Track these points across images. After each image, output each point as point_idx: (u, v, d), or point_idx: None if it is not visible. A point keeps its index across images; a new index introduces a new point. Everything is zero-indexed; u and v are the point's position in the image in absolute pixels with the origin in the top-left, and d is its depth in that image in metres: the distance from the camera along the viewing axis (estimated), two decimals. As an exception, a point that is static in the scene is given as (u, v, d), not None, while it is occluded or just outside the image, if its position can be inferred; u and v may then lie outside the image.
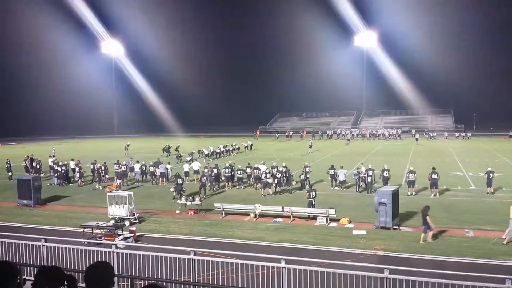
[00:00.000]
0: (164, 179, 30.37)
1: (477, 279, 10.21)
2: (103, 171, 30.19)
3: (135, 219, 19.68)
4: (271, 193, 25.64)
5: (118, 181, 26.88)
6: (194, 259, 10.47)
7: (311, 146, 51.52)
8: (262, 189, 26.12)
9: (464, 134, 72.44)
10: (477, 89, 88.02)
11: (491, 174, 24.77)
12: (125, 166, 31.08)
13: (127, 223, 19.16)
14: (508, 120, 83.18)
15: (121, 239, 16.08)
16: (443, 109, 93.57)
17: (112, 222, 18.77)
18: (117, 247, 11.75)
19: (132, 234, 16.87)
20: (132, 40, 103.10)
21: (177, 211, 21.85)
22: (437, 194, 24.64)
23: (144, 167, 31.23)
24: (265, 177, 26.36)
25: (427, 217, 16.21)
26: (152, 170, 30.37)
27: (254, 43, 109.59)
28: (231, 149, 49.83)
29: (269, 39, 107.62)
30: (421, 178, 26.14)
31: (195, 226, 19.07)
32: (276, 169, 27.31)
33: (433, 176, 24.57)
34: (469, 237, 16.97)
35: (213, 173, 27.42)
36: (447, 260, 14.39)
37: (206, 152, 45.47)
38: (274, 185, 26.28)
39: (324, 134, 78.82)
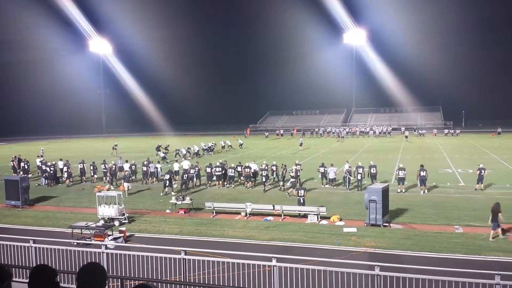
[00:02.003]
0: (154, 178, 30.22)
1: (466, 275, 10.27)
2: (113, 171, 30.20)
3: (125, 219, 19.53)
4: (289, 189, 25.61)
5: (126, 184, 25.90)
6: (185, 259, 10.40)
7: (301, 144, 51.71)
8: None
9: (453, 131, 73.09)
10: (465, 86, 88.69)
11: (483, 171, 24.97)
12: (113, 166, 30.82)
13: (116, 223, 19.01)
14: (496, 117, 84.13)
15: (111, 240, 15.95)
16: (432, 106, 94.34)
17: (101, 222, 18.62)
18: (106, 248, 11.64)
19: (122, 234, 16.74)
20: (120, 39, 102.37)
21: (168, 211, 21.74)
22: (426, 191, 24.81)
23: (133, 167, 31.00)
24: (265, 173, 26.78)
25: (500, 214, 16.08)
26: (146, 169, 30.14)
27: (243, 41, 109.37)
28: (211, 147, 49.31)
29: (259, 37, 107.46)
30: (411, 175, 26.31)
31: (186, 226, 18.97)
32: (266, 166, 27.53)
33: (421, 173, 24.75)
34: (459, 233, 17.09)
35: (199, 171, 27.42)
36: (437, 256, 14.47)
37: (194, 150, 45.76)
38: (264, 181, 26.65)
39: (315, 132, 78.97)
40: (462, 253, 14.67)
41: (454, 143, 57.53)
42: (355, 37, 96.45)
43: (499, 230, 16.18)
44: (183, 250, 10.42)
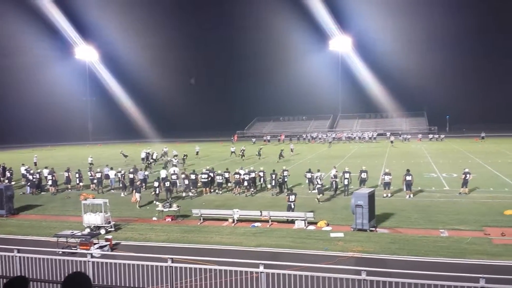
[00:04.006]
0: (144, 185, 29.98)
1: (451, 279, 10.40)
2: (99, 178, 29.96)
3: (111, 227, 19.36)
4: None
5: (138, 195, 24.95)
6: (172, 267, 10.34)
7: (292, 150, 51.94)
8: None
9: (437, 136, 73.96)
10: (449, 92, 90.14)
11: (467, 175, 25.33)
12: (100, 174, 30.55)
13: (102, 231, 18.82)
14: (480, 121, 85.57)
15: (97, 248, 15.81)
16: (417, 112, 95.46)
17: (87, 230, 18.42)
18: (92, 256, 11.52)
19: (108, 243, 16.60)
20: (107, 45, 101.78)
21: (154, 218, 21.61)
22: (412, 195, 25.07)
23: (119, 174, 30.75)
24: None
25: None
26: (132, 177, 29.89)
27: (231, 47, 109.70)
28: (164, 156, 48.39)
29: (246, 43, 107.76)
30: (397, 180, 26.57)
31: (173, 233, 18.88)
32: (250, 172, 27.60)
33: (407, 178, 25.02)
34: (444, 237, 17.29)
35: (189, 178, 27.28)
36: (422, 260, 14.63)
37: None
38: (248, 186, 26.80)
39: (301, 138, 79.31)
40: (447, 256, 14.84)
41: (439, 148, 58.22)
42: (341, 43, 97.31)
43: None
44: (170, 258, 10.36)
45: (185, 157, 45.23)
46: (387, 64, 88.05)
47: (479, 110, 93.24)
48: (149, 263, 10.69)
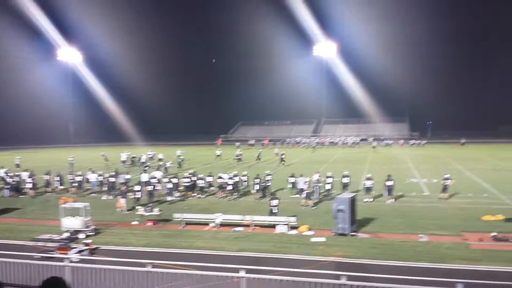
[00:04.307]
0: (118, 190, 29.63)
1: (430, 284, 10.57)
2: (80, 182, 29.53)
3: (91, 231, 19.09)
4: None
5: (123, 200, 24.50)
6: (152, 272, 10.27)
7: (277, 154, 51.90)
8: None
9: (418, 141, 74.98)
10: (431, 98, 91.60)
11: (447, 181, 25.72)
12: (80, 177, 30.15)
13: (82, 235, 18.56)
14: (461, 128, 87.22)
15: (75, 253, 15.57)
16: (399, 117, 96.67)
17: (66, 235, 18.15)
18: (70, 261, 11.37)
19: (87, 247, 16.37)
20: (90, 47, 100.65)
21: (135, 222, 21.40)
22: (393, 200, 25.35)
23: (101, 177, 30.41)
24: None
25: None
26: (113, 180, 29.58)
27: (216, 51, 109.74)
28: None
29: (231, 47, 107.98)
30: (378, 185, 26.83)
31: (154, 237, 18.72)
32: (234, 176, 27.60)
33: (388, 183, 25.29)
34: (423, 242, 17.50)
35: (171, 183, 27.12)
36: (402, 265, 14.78)
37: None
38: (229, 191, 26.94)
39: (285, 142, 79.60)
40: (426, 261, 15.02)
41: (420, 153, 59.02)
42: (325, 49, 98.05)
43: None
44: (150, 263, 10.29)
45: (181, 160, 44.53)
46: (370, 70, 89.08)
47: (460, 117, 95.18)
48: (129, 268, 10.59)
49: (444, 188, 25.71)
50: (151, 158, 49.69)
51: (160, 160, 45.74)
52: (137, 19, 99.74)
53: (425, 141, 75.38)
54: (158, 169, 38.31)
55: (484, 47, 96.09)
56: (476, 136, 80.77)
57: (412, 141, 76.13)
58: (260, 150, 53.92)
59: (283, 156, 46.91)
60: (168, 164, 39.78)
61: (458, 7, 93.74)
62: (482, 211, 22.11)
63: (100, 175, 30.54)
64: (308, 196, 24.65)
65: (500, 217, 20.64)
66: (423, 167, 42.36)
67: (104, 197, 28.46)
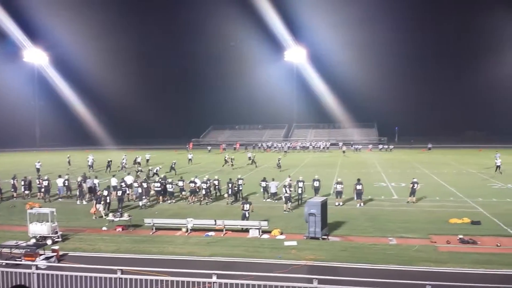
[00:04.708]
0: (92, 194, 29.03)
1: (400, 286, 10.77)
2: (46, 187, 28.56)
3: (58, 237, 18.58)
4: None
5: (99, 206, 23.67)
6: (121, 278, 10.07)
7: (250, 158, 51.94)
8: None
9: (386, 146, 76.53)
10: (398, 104, 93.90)
11: (415, 185, 26.32)
12: (47, 182, 29.32)
13: (49, 242, 18.03)
14: (427, 133, 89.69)
15: (43, 259, 15.12)
16: (368, 123, 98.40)
17: (32, 241, 17.60)
18: (37, 268, 11.01)
19: (55, 254, 15.92)
20: (57, 49, 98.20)
21: (104, 228, 20.96)
22: (362, 204, 25.75)
23: (67, 182, 29.67)
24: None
25: None
26: (80, 185, 28.88)
27: (187, 54, 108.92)
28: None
29: (203, 51, 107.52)
30: (348, 189, 27.22)
31: (123, 243, 18.37)
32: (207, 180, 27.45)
33: (358, 187, 25.68)
34: (392, 245, 17.84)
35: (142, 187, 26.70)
36: (372, 268, 15.01)
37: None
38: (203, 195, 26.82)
39: (257, 146, 79.83)
40: (395, 264, 15.30)
41: (388, 158, 60.26)
42: (295, 54, 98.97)
43: None
44: (119, 269, 10.09)
45: (173, 164, 43.04)
46: (340, 75, 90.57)
47: (426, 122, 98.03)
48: (98, 275, 10.36)
49: (412, 192, 26.30)
50: (135, 162, 49.23)
51: (138, 163, 45.33)
52: (107, 20, 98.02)
53: (393, 146, 77.01)
54: (147, 174, 37.55)
55: (451, 56, 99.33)
56: (441, 141, 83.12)
57: (380, 146, 77.62)
58: (254, 155, 53.68)
59: (253, 159, 47.30)
60: (157, 168, 38.85)
61: (426, 17, 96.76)
62: (449, 214, 22.74)
63: (66, 180, 29.79)
64: (287, 200, 24.74)
65: (466, 220, 21.28)
66: (392, 171, 43.26)
67: (78, 202, 27.87)
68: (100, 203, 23.71)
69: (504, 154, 56.37)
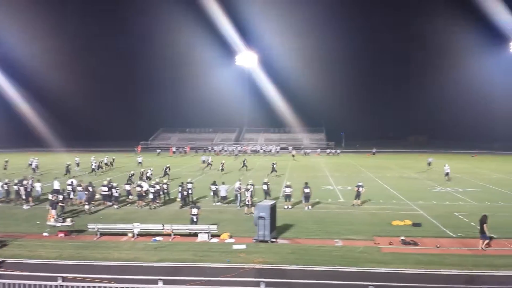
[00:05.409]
0: (30, 198, 27.66)
1: (345, 287, 11.06)
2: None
3: (-5, 244, 17.57)
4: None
5: (53, 212, 22.02)
6: (62, 286, 9.67)
7: (204, 161, 51.41)
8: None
9: (334, 151, 78.54)
10: (344, 110, 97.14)
11: (360, 188, 27.14)
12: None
13: (-16, 249, 17.00)
14: (372, 138, 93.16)
15: (-24, 268, 14.23)
16: (317, 128, 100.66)
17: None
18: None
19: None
20: (3, 47, 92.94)
21: (45, 234, 20.04)
22: (310, 206, 26.24)
23: (6, 186, 28.13)
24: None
25: (485, 225, 17.44)
26: (18, 189, 27.44)
27: (137, 56, 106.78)
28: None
29: (152, 53, 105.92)
30: (297, 192, 27.65)
31: (66, 249, 17.65)
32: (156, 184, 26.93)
33: (306, 190, 26.15)
34: (338, 246, 18.28)
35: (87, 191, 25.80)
36: (319, 269, 15.29)
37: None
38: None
39: (207, 150, 79.43)
40: (341, 265, 15.68)
41: (335, 162, 61.82)
42: (247, 59, 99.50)
43: (484, 241, 17.65)
44: (61, 276, 9.69)
45: (167, 169, 40.89)
46: (290, 81, 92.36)
47: (371, 128, 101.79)
48: (38, 283, 9.90)
49: (357, 195, 27.11)
50: (107, 164, 48.26)
51: (107, 165, 44.00)
52: (56, 20, 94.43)
53: (340, 151, 79.15)
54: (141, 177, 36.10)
55: (395, 65, 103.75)
56: (385, 146, 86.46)
57: (328, 150, 79.52)
58: (245, 159, 53.11)
59: (222, 164, 47.05)
60: (149, 172, 37.36)
61: (370, 26, 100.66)
62: (392, 216, 23.63)
63: (6, 184, 28.25)
64: (247, 204, 24.67)
65: (408, 222, 22.21)
66: (338, 175, 44.40)
67: (25, 206, 26.51)
68: (55, 209, 22.48)
69: (445, 159, 59.55)
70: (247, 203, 24.69)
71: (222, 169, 45.10)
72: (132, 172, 36.48)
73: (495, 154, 74.49)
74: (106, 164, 49.44)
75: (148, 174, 36.61)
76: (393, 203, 28.35)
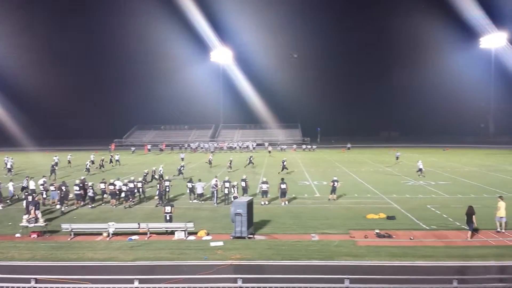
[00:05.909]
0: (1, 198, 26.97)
1: (320, 281, 11.18)
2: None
3: (-37, 247, 17.05)
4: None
5: (38, 212, 20.89)
6: (36, 287, 9.48)
7: (183, 159, 51.08)
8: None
9: (310, 146, 79.14)
10: (320, 106, 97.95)
11: (335, 183, 27.46)
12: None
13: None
14: (346, 134, 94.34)
15: None
16: (292, 124, 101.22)
17: None
18: None
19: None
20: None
21: (18, 235, 19.58)
22: (287, 202, 26.42)
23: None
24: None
25: (473, 216, 18.04)
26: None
27: (110, 52, 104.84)
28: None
29: (126, 50, 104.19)
30: (274, 188, 27.78)
31: (39, 250, 17.29)
32: (130, 182, 26.61)
33: (282, 186, 26.30)
34: (315, 241, 18.48)
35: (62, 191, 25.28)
36: (296, 264, 15.45)
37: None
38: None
39: (183, 147, 78.93)
40: (317, 259, 15.88)
41: (311, 157, 62.32)
42: (221, 55, 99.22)
43: (471, 232, 18.30)
44: (34, 278, 9.49)
45: (181, 168, 39.66)
46: (265, 77, 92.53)
47: (345, 124, 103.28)
48: (10, 285, 9.68)
49: (333, 190, 27.43)
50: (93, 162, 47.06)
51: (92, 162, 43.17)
52: (26, 19, 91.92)
53: (316, 146, 79.82)
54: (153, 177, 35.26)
55: (367, 61, 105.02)
56: (359, 141, 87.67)
57: (304, 146, 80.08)
58: (251, 156, 52.60)
59: (211, 159, 48.06)
60: (160, 170, 36.34)
61: (343, 23, 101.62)
62: (367, 210, 24.03)
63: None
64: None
65: (382, 215, 22.63)
66: (314, 170, 44.79)
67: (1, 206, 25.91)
68: (38, 209, 21.69)
69: (417, 153, 60.81)
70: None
71: (230, 167, 44.33)
72: (146, 171, 35.76)
73: (466, 148, 76.43)
74: (69, 161, 48.89)
75: (160, 172, 35.90)
76: (367, 197, 28.79)
